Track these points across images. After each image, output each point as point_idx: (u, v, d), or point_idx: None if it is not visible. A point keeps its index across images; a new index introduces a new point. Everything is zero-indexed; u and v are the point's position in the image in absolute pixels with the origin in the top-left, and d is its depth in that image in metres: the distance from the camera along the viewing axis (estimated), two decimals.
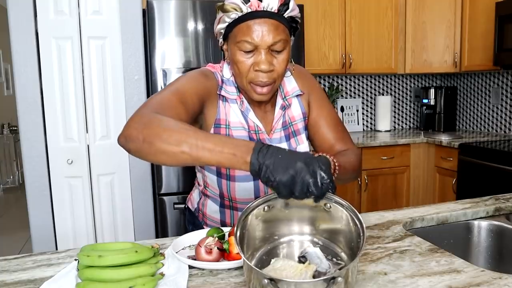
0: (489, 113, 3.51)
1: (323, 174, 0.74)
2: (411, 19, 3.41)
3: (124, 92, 2.48)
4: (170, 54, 2.45)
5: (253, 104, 1.12)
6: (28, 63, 2.33)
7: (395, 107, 3.92)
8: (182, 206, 2.53)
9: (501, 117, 3.39)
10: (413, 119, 4.00)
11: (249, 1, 0.96)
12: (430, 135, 3.37)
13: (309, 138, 1.21)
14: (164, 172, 2.51)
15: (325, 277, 0.71)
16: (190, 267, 0.95)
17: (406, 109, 3.96)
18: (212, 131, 1.07)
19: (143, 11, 2.49)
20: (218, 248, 0.95)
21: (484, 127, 3.56)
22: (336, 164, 0.94)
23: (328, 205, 0.85)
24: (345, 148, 1.15)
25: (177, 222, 2.55)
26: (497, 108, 3.42)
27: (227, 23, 1.00)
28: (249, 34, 0.97)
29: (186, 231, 1.36)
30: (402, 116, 3.96)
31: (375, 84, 3.83)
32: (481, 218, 1.34)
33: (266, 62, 0.98)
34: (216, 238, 0.98)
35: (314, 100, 1.19)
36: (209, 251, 0.95)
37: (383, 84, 3.85)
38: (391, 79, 3.87)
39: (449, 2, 3.32)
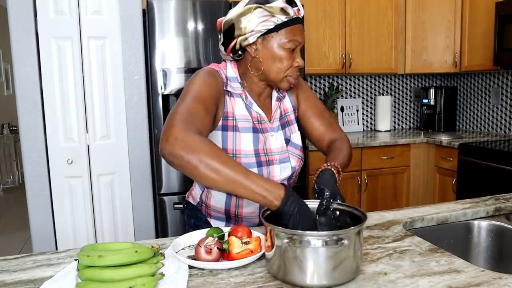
0: (489, 113, 3.51)
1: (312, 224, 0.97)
2: (411, 19, 3.41)
3: (124, 92, 2.48)
4: (170, 54, 2.45)
5: (255, 97, 1.24)
6: (28, 63, 2.33)
7: (395, 107, 3.92)
8: (182, 206, 2.52)
9: (501, 117, 3.39)
10: (413, 119, 4.00)
11: (294, 7, 1.12)
12: (430, 135, 3.37)
13: (300, 127, 1.34)
14: (164, 172, 2.51)
15: (332, 234, 0.83)
16: (190, 267, 0.95)
17: (406, 109, 3.96)
18: (220, 123, 1.17)
19: (143, 11, 2.49)
20: (218, 248, 0.95)
21: (484, 127, 3.56)
22: (340, 171, 1.14)
23: (337, 212, 1.04)
24: (334, 135, 1.32)
25: (177, 222, 2.55)
26: (497, 108, 3.42)
27: (274, 24, 1.11)
28: (298, 35, 1.13)
29: (185, 227, 1.38)
30: (402, 116, 3.96)
31: (375, 84, 3.83)
32: (481, 218, 1.34)
33: (301, 58, 1.16)
34: (216, 238, 0.98)
35: (301, 94, 1.34)
36: (209, 251, 0.95)
37: (383, 84, 3.85)
38: (391, 79, 3.87)
39: (449, 2, 3.32)
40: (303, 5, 2.76)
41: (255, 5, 1.10)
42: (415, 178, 3.28)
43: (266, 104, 1.26)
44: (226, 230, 1.07)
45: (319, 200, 1.05)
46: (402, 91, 3.93)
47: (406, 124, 3.98)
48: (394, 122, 3.94)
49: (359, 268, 0.90)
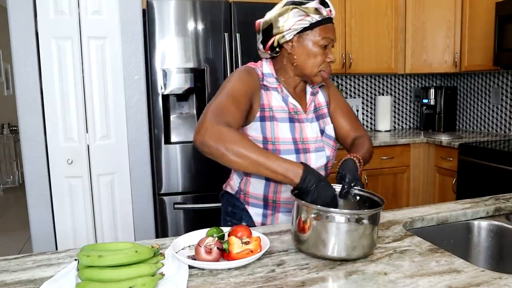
0: (489, 113, 3.51)
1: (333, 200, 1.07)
2: (411, 19, 3.41)
3: (124, 92, 2.47)
4: (170, 54, 2.45)
5: (290, 91, 1.34)
6: (28, 63, 2.33)
7: (395, 107, 3.92)
8: (182, 206, 2.53)
9: (501, 117, 3.39)
10: (413, 119, 4.00)
11: (326, 8, 1.23)
12: (430, 135, 3.37)
13: None
14: (164, 172, 2.51)
15: (356, 212, 0.97)
16: (190, 267, 0.95)
17: (406, 109, 3.96)
18: (258, 114, 1.27)
19: (143, 11, 2.49)
20: (218, 248, 0.95)
21: (484, 127, 3.56)
22: (361, 162, 1.24)
23: (357, 197, 1.15)
24: (358, 134, 1.44)
25: (177, 222, 2.55)
26: (497, 108, 3.42)
27: (309, 22, 1.22)
28: (331, 33, 1.25)
29: (220, 218, 1.47)
30: (402, 116, 3.96)
31: (375, 84, 3.83)
32: (481, 218, 1.34)
33: (333, 54, 1.27)
34: (216, 238, 0.98)
35: (332, 94, 1.46)
36: (209, 251, 0.95)
37: (383, 84, 3.85)
38: (391, 79, 3.87)
39: (449, 2, 3.32)
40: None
41: (292, 6, 1.22)
42: (415, 178, 3.28)
43: (301, 97, 1.37)
44: (226, 230, 1.07)
45: (341, 185, 1.17)
46: (402, 91, 3.93)
47: (406, 124, 3.98)
48: (394, 122, 3.94)
49: (375, 245, 1.02)
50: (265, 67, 1.33)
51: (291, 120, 1.30)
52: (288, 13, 1.22)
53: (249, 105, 1.24)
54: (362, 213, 0.97)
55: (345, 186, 1.15)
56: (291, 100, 1.32)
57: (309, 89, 1.39)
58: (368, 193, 1.13)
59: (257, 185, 1.32)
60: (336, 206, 1.06)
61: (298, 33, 1.23)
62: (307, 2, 1.21)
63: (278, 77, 1.32)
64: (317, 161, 1.31)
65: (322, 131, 1.37)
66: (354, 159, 1.23)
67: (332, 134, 1.39)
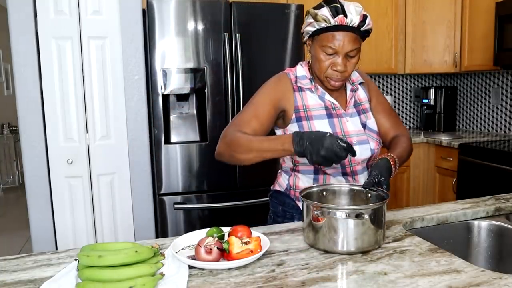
0: (489, 113, 3.51)
1: (340, 142, 1.06)
2: (411, 19, 3.41)
3: (124, 92, 2.47)
4: (170, 54, 2.45)
5: (327, 89, 1.37)
6: (28, 63, 2.33)
7: (395, 107, 3.92)
8: (182, 206, 2.53)
9: (501, 117, 3.39)
10: (413, 119, 4.00)
11: (337, 16, 1.21)
12: (430, 135, 3.37)
13: None
14: (164, 172, 2.51)
15: (353, 208, 1.01)
16: (190, 267, 0.95)
17: (406, 109, 3.96)
18: (294, 116, 1.33)
19: (143, 11, 2.49)
20: (218, 248, 0.95)
21: (484, 127, 3.56)
22: (397, 162, 1.24)
23: (369, 194, 1.18)
24: (398, 132, 1.44)
25: (177, 222, 2.55)
26: (497, 108, 3.42)
27: (316, 29, 1.25)
28: (333, 42, 1.23)
29: (267, 218, 1.51)
30: (402, 116, 3.96)
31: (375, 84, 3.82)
32: (481, 218, 1.34)
33: (342, 64, 1.25)
34: (216, 238, 0.98)
35: (373, 91, 1.48)
36: (209, 251, 0.95)
37: (383, 84, 3.85)
38: (391, 79, 3.87)
39: (449, 2, 3.32)
40: (302, 5, 2.77)
41: (310, 11, 1.28)
42: (415, 178, 3.28)
43: (341, 95, 1.39)
44: (226, 230, 1.07)
45: (347, 184, 1.25)
46: (402, 91, 3.93)
47: (406, 124, 3.98)
48: None
49: (380, 241, 1.05)
50: (299, 70, 1.38)
51: (330, 116, 1.34)
52: (307, 16, 1.29)
53: (276, 112, 1.32)
54: (362, 208, 1.01)
55: (370, 178, 1.14)
56: (327, 97, 1.35)
57: (349, 86, 1.41)
58: (377, 190, 1.16)
59: (305, 178, 1.36)
60: (342, 143, 1.06)
61: (309, 36, 1.29)
62: (323, 7, 1.24)
63: (312, 78, 1.37)
64: (361, 153, 1.33)
65: (364, 125, 1.38)
66: (389, 158, 1.23)
67: (375, 127, 1.40)
